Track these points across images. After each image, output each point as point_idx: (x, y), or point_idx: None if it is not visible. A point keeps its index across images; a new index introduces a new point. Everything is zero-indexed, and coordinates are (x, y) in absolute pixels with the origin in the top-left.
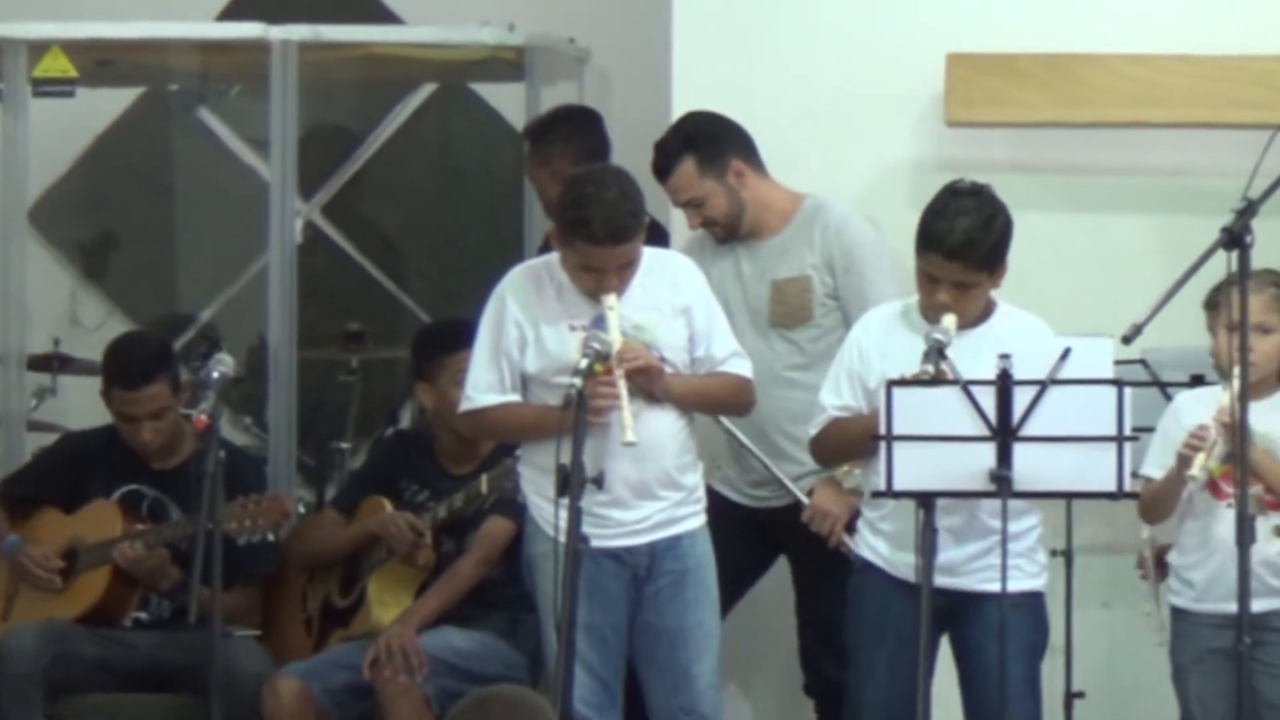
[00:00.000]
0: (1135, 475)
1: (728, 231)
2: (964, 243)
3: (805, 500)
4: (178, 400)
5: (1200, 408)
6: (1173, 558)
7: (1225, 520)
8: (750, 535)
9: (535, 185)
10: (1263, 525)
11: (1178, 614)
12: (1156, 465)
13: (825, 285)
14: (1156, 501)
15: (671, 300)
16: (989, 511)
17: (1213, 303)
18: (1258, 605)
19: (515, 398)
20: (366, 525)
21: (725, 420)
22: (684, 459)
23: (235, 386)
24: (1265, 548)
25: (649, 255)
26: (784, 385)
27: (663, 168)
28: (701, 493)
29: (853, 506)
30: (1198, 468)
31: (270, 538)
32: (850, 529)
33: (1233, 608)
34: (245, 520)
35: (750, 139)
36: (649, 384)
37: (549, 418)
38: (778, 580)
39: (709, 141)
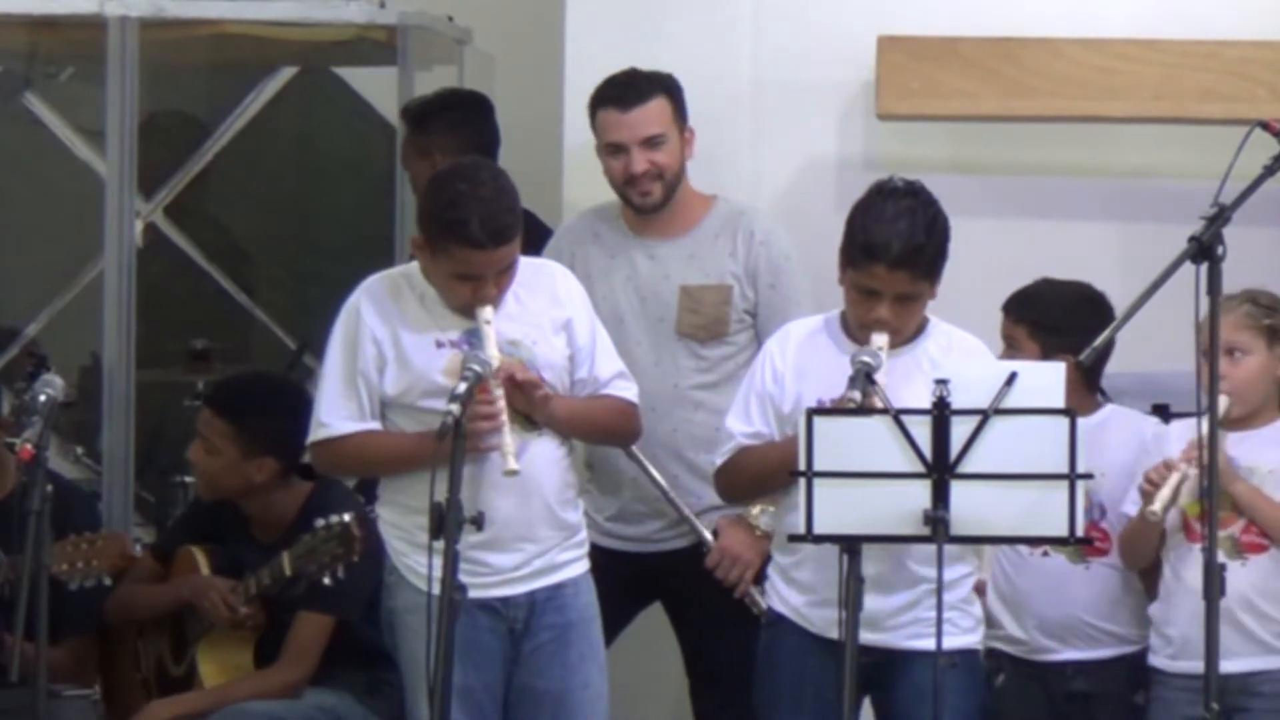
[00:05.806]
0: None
1: (663, 196)
2: (910, 249)
3: (710, 540)
4: None
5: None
6: (1153, 610)
7: (1196, 565)
8: (614, 585)
9: (411, 178)
10: (1242, 571)
11: (1155, 675)
12: (1135, 502)
13: (746, 299)
14: (1132, 542)
15: (551, 313)
16: (917, 558)
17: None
18: (1240, 664)
19: (376, 425)
20: (180, 591)
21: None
22: (566, 493)
23: (65, 411)
24: (1257, 598)
25: (523, 264)
26: (688, 406)
27: (635, 94)
28: (584, 534)
29: (765, 552)
30: (1159, 504)
31: (107, 582)
32: (758, 579)
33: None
34: (78, 561)
35: None
36: (529, 405)
37: (423, 447)
38: (666, 631)
39: (679, 93)
